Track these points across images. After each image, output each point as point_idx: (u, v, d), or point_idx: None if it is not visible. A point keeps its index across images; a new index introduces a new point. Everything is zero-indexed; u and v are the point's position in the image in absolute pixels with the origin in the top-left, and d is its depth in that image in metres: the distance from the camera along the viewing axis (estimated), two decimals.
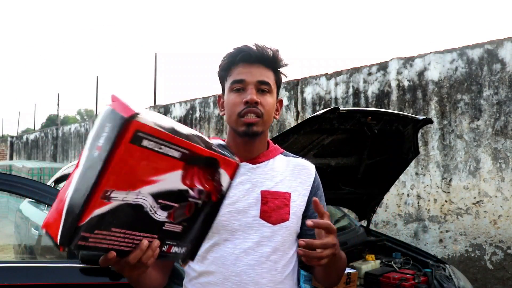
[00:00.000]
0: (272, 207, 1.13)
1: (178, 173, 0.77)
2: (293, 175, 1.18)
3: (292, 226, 1.14)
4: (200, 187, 0.83)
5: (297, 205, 1.15)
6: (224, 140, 1.24)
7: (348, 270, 2.15)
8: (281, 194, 1.14)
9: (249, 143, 1.17)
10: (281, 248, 1.13)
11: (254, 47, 1.15)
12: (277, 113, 1.23)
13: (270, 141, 1.26)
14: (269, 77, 1.16)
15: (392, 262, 2.55)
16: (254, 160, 1.18)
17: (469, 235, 3.66)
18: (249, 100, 1.11)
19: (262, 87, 1.14)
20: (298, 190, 1.17)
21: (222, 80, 1.20)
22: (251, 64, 1.14)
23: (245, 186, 1.14)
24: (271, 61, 1.17)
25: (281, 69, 1.20)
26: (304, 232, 1.16)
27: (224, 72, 1.18)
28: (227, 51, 1.19)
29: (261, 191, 1.13)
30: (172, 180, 0.76)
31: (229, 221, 1.12)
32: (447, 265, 2.53)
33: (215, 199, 0.87)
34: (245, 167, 1.16)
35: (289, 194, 1.14)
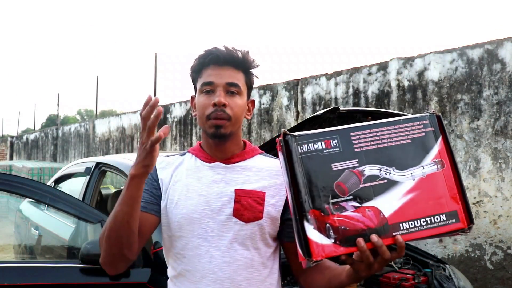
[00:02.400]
0: (245, 205, 1.14)
1: None
2: (269, 176, 1.19)
3: (266, 225, 1.14)
4: None
5: (272, 205, 1.16)
6: (200, 143, 1.26)
7: None
8: (255, 192, 1.15)
9: (221, 144, 1.19)
10: (254, 246, 1.15)
11: (223, 49, 1.17)
12: (249, 113, 1.25)
13: (248, 142, 1.28)
14: (238, 78, 1.18)
15: (392, 262, 2.55)
16: (229, 160, 1.20)
17: (469, 235, 3.66)
18: (216, 102, 1.13)
19: (231, 89, 1.16)
20: (274, 190, 1.17)
21: (194, 82, 1.23)
22: (221, 66, 1.17)
23: (219, 185, 1.16)
24: (241, 63, 1.19)
25: (252, 70, 1.22)
26: (287, 234, 1.16)
27: (195, 74, 1.21)
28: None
29: (235, 190, 1.15)
30: None
31: (203, 219, 1.14)
32: (447, 265, 2.52)
33: None
34: (218, 166, 1.19)
35: (264, 193, 1.15)
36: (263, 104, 5.74)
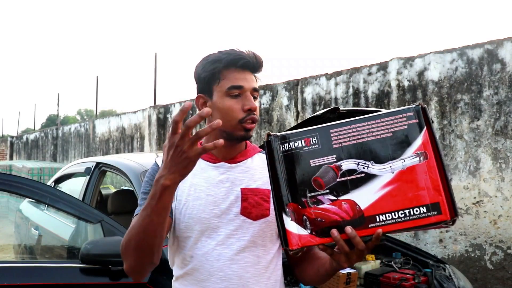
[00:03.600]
0: (252, 203, 1.17)
1: None
2: None
3: (273, 221, 1.17)
4: None
5: None
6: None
7: (348, 270, 2.15)
8: (261, 190, 1.19)
9: (233, 145, 1.22)
10: (262, 242, 1.18)
11: (251, 54, 1.19)
12: None
13: (248, 141, 1.30)
14: (256, 83, 1.22)
15: (392, 262, 2.55)
16: (233, 160, 1.22)
17: (469, 235, 3.66)
18: (253, 108, 1.17)
19: (254, 94, 1.20)
20: None
21: (210, 82, 1.20)
22: (244, 70, 1.18)
23: (225, 185, 1.18)
24: (258, 68, 1.22)
25: (257, 75, 1.25)
26: None
27: (216, 74, 1.18)
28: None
29: (241, 188, 1.18)
30: None
31: (212, 219, 1.15)
32: (447, 265, 2.52)
33: None
34: (223, 166, 1.21)
35: (269, 190, 1.18)
36: (263, 104, 5.74)
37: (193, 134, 0.93)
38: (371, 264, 2.47)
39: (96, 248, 1.81)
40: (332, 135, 0.97)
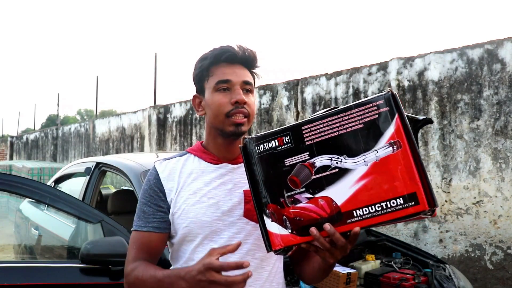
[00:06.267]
0: None
1: None
2: None
3: None
4: None
5: None
6: (201, 143, 1.24)
7: (348, 270, 2.15)
8: None
9: (232, 143, 1.18)
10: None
11: (237, 48, 1.16)
12: None
13: None
14: (250, 77, 1.19)
15: (392, 262, 2.55)
16: (234, 160, 1.20)
17: (469, 235, 3.66)
18: (239, 100, 1.13)
19: (246, 87, 1.17)
20: None
21: (201, 80, 1.20)
22: (234, 64, 1.16)
23: (227, 187, 1.16)
24: (251, 62, 1.19)
25: (255, 70, 1.22)
26: None
27: (204, 72, 1.18)
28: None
29: (244, 191, 1.15)
30: None
31: (214, 222, 1.13)
32: (447, 265, 2.52)
33: None
34: (225, 167, 1.18)
35: None
36: (263, 104, 5.73)
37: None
38: (371, 264, 2.47)
39: (96, 248, 1.81)
40: (304, 132, 0.96)
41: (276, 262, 1.19)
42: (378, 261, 2.54)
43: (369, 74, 4.54)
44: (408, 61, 4.20)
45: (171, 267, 1.22)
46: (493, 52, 3.58)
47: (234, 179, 1.17)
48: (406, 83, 4.19)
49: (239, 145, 1.02)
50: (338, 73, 4.87)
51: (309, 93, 5.17)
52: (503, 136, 3.48)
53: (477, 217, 3.60)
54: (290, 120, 5.36)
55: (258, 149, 0.99)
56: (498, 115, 3.52)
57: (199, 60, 1.19)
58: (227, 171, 1.18)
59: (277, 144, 0.98)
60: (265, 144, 0.99)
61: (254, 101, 1.19)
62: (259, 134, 1.00)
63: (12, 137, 18.54)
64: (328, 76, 4.97)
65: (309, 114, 5.10)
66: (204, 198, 1.14)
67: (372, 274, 2.35)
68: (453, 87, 3.82)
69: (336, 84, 4.87)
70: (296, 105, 5.32)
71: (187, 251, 1.15)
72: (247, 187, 1.14)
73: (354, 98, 4.66)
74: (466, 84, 3.73)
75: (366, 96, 4.55)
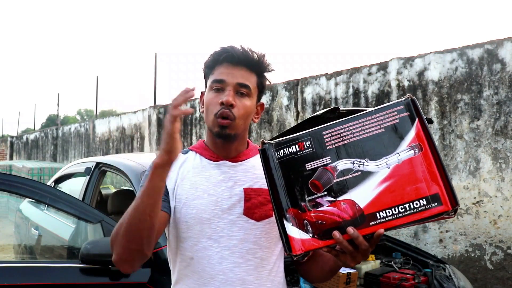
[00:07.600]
0: (256, 203, 1.14)
1: None
2: None
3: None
4: None
5: None
6: (204, 141, 1.25)
7: (348, 270, 2.15)
8: (264, 191, 1.14)
9: (226, 144, 1.18)
10: (266, 244, 1.14)
11: (239, 49, 1.15)
12: (257, 116, 1.24)
13: (249, 141, 1.27)
14: (250, 80, 1.17)
15: (392, 262, 2.55)
16: (234, 159, 1.19)
17: (469, 235, 3.66)
18: (224, 101, 1.11)
19: (241, 90, 1.15)
20: None
21: (205, 77, 1.21)
22: (234, 66, 1.15)
23: (228, 184, 1.15)
24: (255, 65, 1.17)
25: (266, 74, 1.22)
26: None
27: (208, 70, 1.19)
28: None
29: (244, 188, 1.14)
30: None
31: (213, 219, 1.12)
32: (447, 265, 2.52)
33: None
34: (225, 164, 1.18)
35: None
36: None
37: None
38: (371, 264, 2.47)
39: (96, 248, 1.81)
40: (325, 137, 0.97)
41: (277, 261, 1.18)
42: (378, 261, 2.54)
43: (369, 74, 4.54)
44: (408, 61, 4.20)
45: (170, 266, 1.22)
46: (493, 52, 3.58)
47: (234, 177, 1.16)
48: (406, 83, 4.19)
49: (258, 148, 1.02)
50: (338, 73, 4.87)
51: (309, 93, 5.17)
52: (503, 136, 3.48)
53: (477, 217, 3.60)
54: (290, 120, 5.36)
55: (278, 154, 0.99)
56: (498, 115, 3.52)
57: (208, 58, 1.20)
58: (227, 169, 1.17)
59: (297, 149, 0.98)
60: (285, 149, 0.99)
61: (250, 105, 1.16)
62: (278, 139, 1.00)
63: (12, 137, 18.55)
64: (328, 76, 4.97)
65: (309, 114, 5.10)
66: (204, 194, 1.13)
67: (372, 274, 2.35)
68: (453, 87, 3.82)
69: (336, 84, 4.87)
70: (296, 105, 5.32)
71: (185, 249, 1.14)
72: (247, 185, 1.15)
73: (354, 98, 4.67)
74: (466, 84, 3.73)
75: (366, 96, 4.56)
